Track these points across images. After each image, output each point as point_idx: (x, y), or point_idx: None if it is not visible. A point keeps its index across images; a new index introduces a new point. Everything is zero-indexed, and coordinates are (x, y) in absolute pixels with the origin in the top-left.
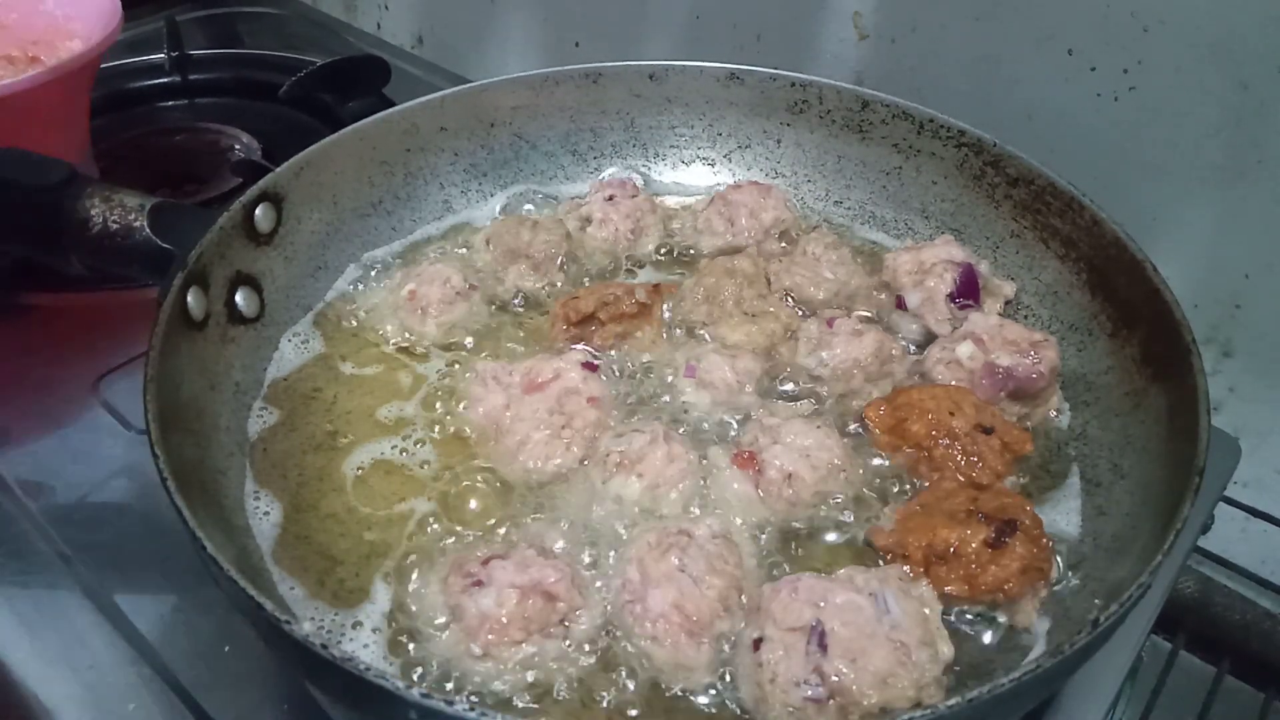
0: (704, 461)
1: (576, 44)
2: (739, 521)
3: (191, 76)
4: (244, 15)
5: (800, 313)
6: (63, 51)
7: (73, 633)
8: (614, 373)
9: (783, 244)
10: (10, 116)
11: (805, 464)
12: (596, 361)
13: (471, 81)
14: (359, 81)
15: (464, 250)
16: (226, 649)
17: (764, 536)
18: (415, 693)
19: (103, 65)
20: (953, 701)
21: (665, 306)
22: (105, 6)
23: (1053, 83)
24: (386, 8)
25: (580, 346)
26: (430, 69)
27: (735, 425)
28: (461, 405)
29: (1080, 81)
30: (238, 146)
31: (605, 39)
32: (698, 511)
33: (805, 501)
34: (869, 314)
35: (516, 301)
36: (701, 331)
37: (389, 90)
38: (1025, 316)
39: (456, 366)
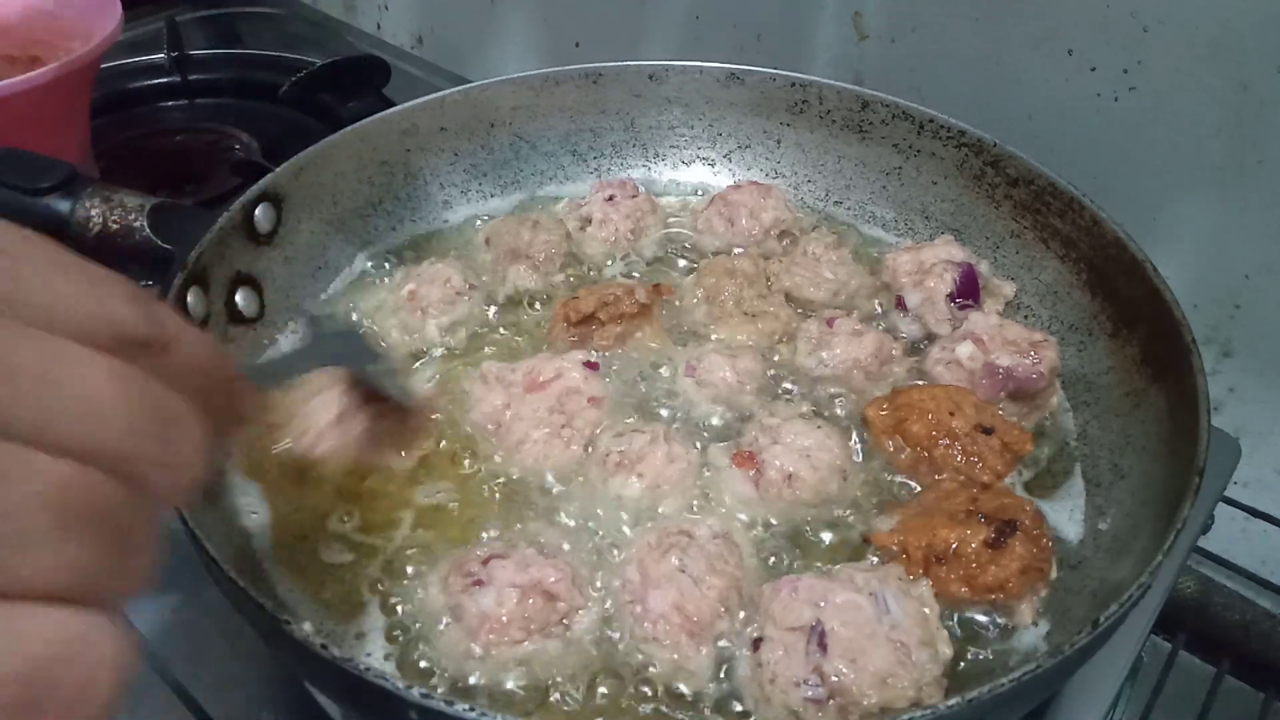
0: (704, 461)
1: (576, 44)
2: (739, 521)
3: (191, 76)
4: (244, 15)
5: (800, 313)
6: (63, 51)
7: None
8: (614, 373)
9: (783, 244)
10: (10, 116)
11: (805, 464)
12: (597, 361)
13: (471, 81)
14: (359, 81)
15: (464, 250)
16: (226, 649)
17: (764, 536)
18: (415, 692)
19: (103, 65)
20: (953, 701)
21: (665, 306)
22: (105, 6)
23: (1053, 83)
24: (386, 8)
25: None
26: (430, 69)
27: (735, 425)
28: (462, 405)
29: (1080, 81)
30: (238, 146)
31: (605, 39)
32: (698, 512)
33: (805, 501)
34: (869, 314)
35: (516, 301)
36: (702, 331)
37: (389, 90)
38: (1025, 316)
39: (456, 366)
